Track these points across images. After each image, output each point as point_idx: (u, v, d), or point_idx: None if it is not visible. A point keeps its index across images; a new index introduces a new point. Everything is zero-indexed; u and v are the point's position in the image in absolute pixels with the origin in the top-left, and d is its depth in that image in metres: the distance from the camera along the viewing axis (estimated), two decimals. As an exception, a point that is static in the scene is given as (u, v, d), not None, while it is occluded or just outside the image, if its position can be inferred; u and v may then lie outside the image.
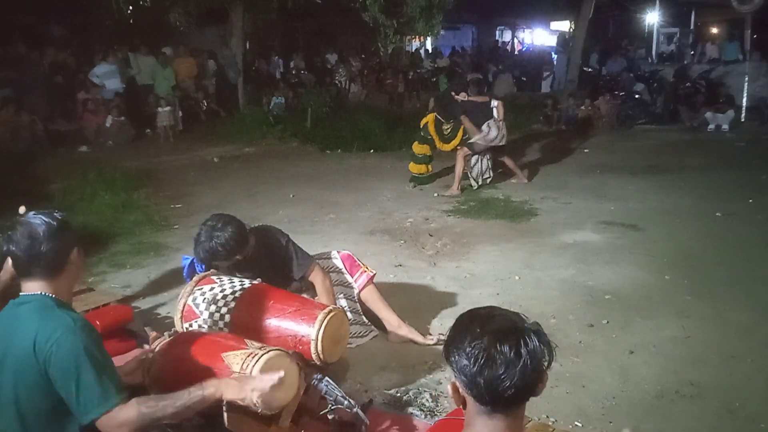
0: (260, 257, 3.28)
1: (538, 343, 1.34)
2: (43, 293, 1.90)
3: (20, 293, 1.94)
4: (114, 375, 1.86)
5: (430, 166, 7.88)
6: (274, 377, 2.12)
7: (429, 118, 7.85)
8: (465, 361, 1.32)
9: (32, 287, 1.91)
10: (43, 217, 1.92)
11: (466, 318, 1.41)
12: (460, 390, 1.38)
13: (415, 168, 7.79)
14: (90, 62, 12.24)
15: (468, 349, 1.32)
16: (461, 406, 1.41)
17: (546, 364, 1.35)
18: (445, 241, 5.50)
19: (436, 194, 7.33)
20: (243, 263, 3.21)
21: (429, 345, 3.60)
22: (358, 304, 3.68)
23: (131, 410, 1.82)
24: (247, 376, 2.17)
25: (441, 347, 3.50)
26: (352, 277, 3.66)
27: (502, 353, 1.30)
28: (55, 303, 1.89)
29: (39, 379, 1.79)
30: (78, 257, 1.98)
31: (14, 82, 10.66)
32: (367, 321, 3.72)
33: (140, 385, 2.28)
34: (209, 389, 2.00)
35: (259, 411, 2.22)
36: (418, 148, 7.78)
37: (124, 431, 1.82)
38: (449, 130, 7.76)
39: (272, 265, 3.35)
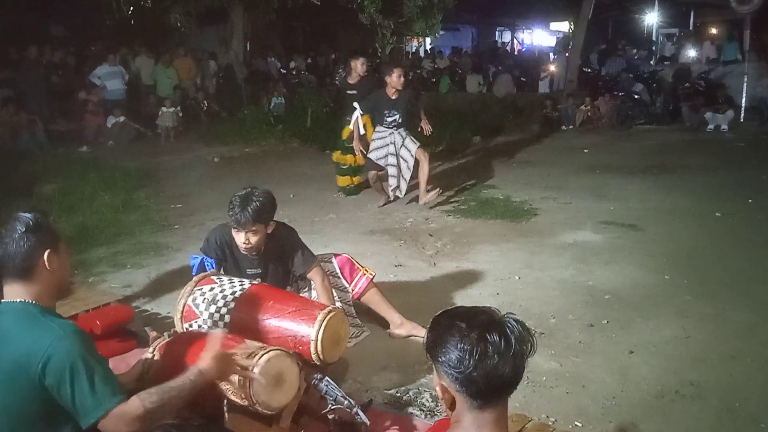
0: (270, 247, 3.32)
1: (522, 329, 1.38)
2: (23, 300, 1.87)
3: (2, 300, 1.91)
4: (109, 376, 1.85)
5: (355, 178, 7.36)
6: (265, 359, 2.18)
7: (349, 130, 7.14)
8: (457, 359, 1.34)
9: (11, 292, 1.88)
10: (17, 218, 1.90)
11: (446, 318, 1.43)
12: (450, 390, 1.39)
13: (340, 180, 7.30)
14: (90, 62, 12.25)
15: (459, 346, 1.35)
16: (449, 408, 1.43)
17: (529, 348, 1.38)
18: (445, 241, 5.50)
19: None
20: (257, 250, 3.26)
21: None
22: (352, 308, 3.70)
23: (135, 407, 1.82)
24: (232, 353, 2.17)
25: (422, 344, 3.49)
26: (351, 282, 3.67)
27: (493, 343, 1.34)
28: (39, 311, 1.85)
29: (31, 389, 1.78)
30: (53, 260, 1.91)
31: (14, 82, 10.67)
32: (360, 322, 3.74)
33: (143, 388, 2.27)
34: (210, 371, 2.02)
35: (260, 411, 2.22)
36: (340, 157, 7.27)
37: (134, 427, 1.82)
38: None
39: (278, 258, 3.39)
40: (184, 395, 1.93)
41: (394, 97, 6.57)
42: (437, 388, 1.42)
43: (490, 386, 1.34)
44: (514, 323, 1.38)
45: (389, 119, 6.63)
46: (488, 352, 1.33)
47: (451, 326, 1.38)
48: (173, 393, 1.91)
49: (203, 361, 2.04)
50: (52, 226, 1.99)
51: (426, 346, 1.43)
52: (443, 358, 1.37)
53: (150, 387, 2.05)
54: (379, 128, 6.71)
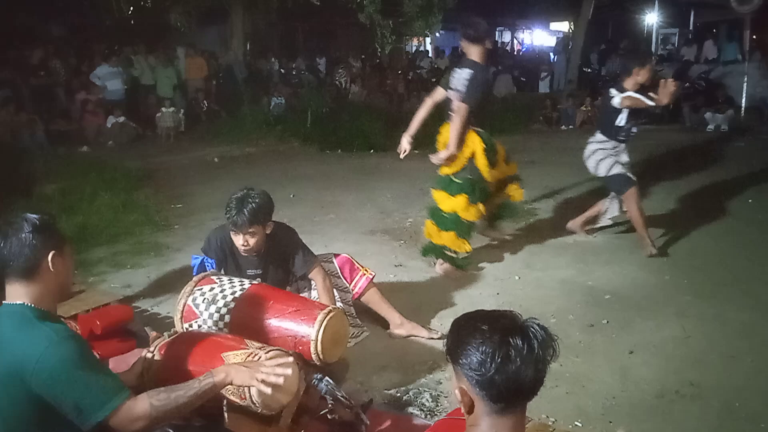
0: (270, 247, 3.32)
1: (545, 335, 1.38)
2: (22, 303, 1.85)
3: (3, 302, 1.90)
4: (109, 375, 1.85)
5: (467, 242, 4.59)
6: (286, 370, 2.13)
7: (473, 143, 4.55)
8: (478, 361, 1.33)
9: (13, 293, 1.87)
10: (23, 218, 1.89)
11: (467, 321, 1.42)
12: (470, 393, 1.38)
13: (453, 242, 4.47)
14: (90, 62, 12.24)
15: (481, 348, 1.34)
16: (467, 411, 1.41)
17: (552, 354, 1.38)
18: (445, 241, 5.49)
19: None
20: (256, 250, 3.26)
21: (434, 338, 3.64)
22: (352, 308, 3.70)
23: (143, 404, 1.82)
24: (257, 363, 2.16)
25: (442, 346, 3.49)
26: (351, 282, 3.68)
27: (515, 347, 1.33)
28: (35, 314, 1.84)
29: (26, 394, 1.77)
30: (58, 261, 1.90)
31: (14, 82, 10.66)
32: (360, 322, 3.74)
33: (143, 387, 2.28)
34: (219, 375, 2.01)
35: (259, 411, 2.22)
36: (464, 209, 4.44)
37: (140, 425, 1.81)
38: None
39: (278, 258, 3.39)
40: (192, 399, 1.92)
41: None
42: (456, 391, 1.41)
43: (511, 390, 1.34)
44: (537, 328, 1.37)
45: (628, 128, 5.03)
46: (510, 355, 1.32)
47: (473, 329, 1.37)
48: (180, 392, 1.90)
49: (219, 372, 2.02)
50: (58, 228, 1.98)
51: (446, 349, 1.43)
52: (464, 361, 1.36)
53: (150, 387, 2.05)
54: (602, 140, 5.18)
